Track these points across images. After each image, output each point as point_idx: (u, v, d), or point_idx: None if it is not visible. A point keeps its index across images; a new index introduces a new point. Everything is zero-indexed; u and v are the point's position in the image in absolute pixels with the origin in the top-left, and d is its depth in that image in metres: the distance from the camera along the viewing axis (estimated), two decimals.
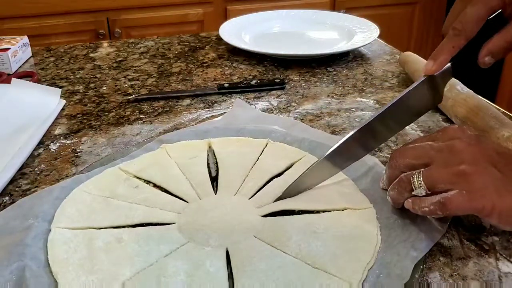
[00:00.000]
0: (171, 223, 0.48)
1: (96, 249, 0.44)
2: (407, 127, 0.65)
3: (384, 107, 0.50)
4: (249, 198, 0.51)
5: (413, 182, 0.44)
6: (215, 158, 0.58)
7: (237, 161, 0.57)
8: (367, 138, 0.51)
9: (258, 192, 0.52)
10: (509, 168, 0.43)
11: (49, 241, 0.45)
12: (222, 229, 0.47)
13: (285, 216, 0.49)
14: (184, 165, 0.57)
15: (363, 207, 0.49)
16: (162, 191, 0.53)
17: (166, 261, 0.43)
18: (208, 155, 0.59)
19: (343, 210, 0.49)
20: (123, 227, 0.47)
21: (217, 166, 0.57)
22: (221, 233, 0.46)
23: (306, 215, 0.49)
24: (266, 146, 0.60)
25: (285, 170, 0.56)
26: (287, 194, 0.51)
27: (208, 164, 0.57)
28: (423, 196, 0.44)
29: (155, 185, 0.54)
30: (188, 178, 0.54)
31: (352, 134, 0.50)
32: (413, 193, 0.44)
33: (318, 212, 0.49)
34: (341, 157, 0.51)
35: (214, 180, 0.55)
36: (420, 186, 0.44)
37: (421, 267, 0.42)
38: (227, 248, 0.44)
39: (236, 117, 0.68)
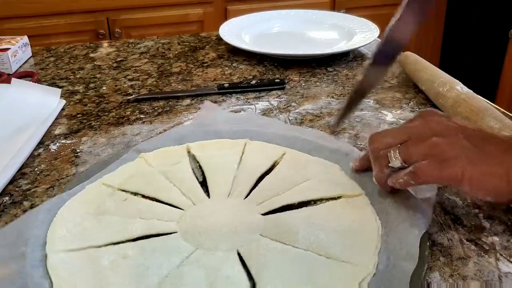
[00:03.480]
0: (173, 232, 0.47)
1: (102, 269, 0.42)
2: None
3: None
4: (244, 199, 0.51)
5: (390, 156, 0.47)
6: (198, 163, 0.57)
7: (221, 163, 0.56)
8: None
9: (252, 192, 0.52)
10: (483, 144, 0.45)
11: (50, 267, 0.43)
12: (227, 232, 0.46)
13: (285, 212, 0.49)
14: (168, 172, 0.55)
15: (356, 194, 0.51)
16: (153, 201, 0.51)
17: (180, 271, 0.42)
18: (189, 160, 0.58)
19: (337, 197, 0.51)
20: (123, 242, 0.46)
21: (201, 171, 0.56)
22: (227, 236, 0.46)
23: (304, 208, 0.50)
24: (245, 146, 0.60)
25: (271, 167, 0.56)
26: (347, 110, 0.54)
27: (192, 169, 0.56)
28: (399, 169, 0.46)
29: (143, 196, 0.52)
30: (176, 185, 0.53)
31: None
32: (389, 165, 0.47)
33: (315, 202, 0.50)
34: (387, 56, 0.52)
35: (202, 184, 0.54)
36: (396, 158, 0.46)
37: (427, 243, 0.44)
38: (237, 250, 0.44)
39: (208, 119, 0.66)
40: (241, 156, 0.58)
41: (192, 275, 0.41)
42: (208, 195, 0.52)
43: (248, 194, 0.52)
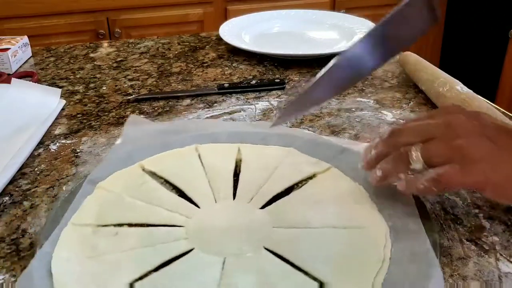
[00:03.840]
0: (190, 250, 0.44)
1: None
2: None
3: (381, 21, 0.45)
4: (233, 200, 0.51)
5: (411, 155, 0.44)
6: (161, 178, 0.54)
7: (187, 173, 0.55)
8: (367, 53, 0.46)
9: (237, 191, 0.52)
10: (504, 140, 0.43)
11: None
12: (241, 235, 0.46)
13: (279, 201, 0.50)
14: (139, 195, 0.51)
15: (326, 168, 0.54)
16: (143, 227, 0.48)
17: (228, 282, 0.40)
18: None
19: (313, 176, 0.53)
20: (146, 276, 0.42)
21: (171, 185, 0.53)
22: (245, 237, 0.45)
23: (293, 193, 0.51)
24: (197, 150, 0.58)
25: (236, 164, 0.56)
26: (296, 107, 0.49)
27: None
28: (419, 170, 0.44)
29: (130, 225, 0.48)
30: (158, 205, 0.50)
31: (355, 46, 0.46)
32: (410, 167, 0.44)
33: (297, 185, 0.52)
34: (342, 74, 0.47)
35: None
36: (417, 159, 0.44)
37: (420, 199, 0.47)
38: (264, 247, 0.44)
39: (143, 133, 0.63)
40: (201, 161, 0.57)
41: (242, 283, 0.40)
42: (196, 206, 0.50)
43: (234, 194, 0.51)
